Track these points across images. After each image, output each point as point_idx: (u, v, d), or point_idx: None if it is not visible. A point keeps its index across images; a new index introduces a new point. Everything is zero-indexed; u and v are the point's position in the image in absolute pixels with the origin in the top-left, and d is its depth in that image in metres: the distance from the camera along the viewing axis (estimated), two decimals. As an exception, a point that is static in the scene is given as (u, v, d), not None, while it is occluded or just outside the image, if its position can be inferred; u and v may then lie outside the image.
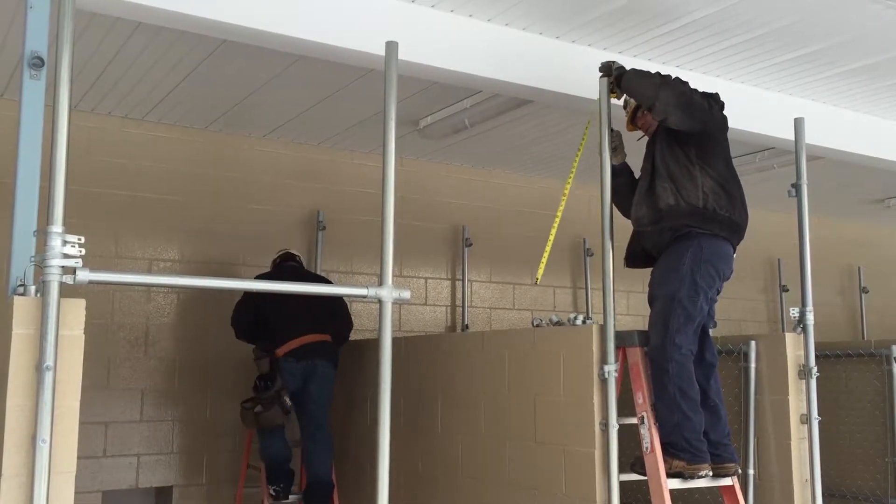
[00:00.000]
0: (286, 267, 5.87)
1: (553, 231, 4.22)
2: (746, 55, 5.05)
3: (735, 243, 4.03)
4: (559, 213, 4.24)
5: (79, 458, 2.76)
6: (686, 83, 4.03)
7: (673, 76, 4.09)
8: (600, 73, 4.22)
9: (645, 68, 4.28)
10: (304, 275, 5.89)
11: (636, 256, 4.17)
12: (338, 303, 5.89)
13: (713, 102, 4.09)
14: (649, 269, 4.13)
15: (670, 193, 3.90)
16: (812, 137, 4.90)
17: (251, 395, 5.58)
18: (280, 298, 5.50)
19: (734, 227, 3.98)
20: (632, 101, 4.26)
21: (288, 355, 5.50)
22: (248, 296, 5.65)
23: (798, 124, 4.62)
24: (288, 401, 5.39)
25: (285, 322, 5.56)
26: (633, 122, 4.36)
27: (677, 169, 3.93)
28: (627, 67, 4.21)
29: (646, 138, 4.30)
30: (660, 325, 3.88)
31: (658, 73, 4.07)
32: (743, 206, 4.05)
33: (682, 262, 3.87)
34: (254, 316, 5.65)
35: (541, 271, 4.28)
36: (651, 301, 4.02)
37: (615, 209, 4.18)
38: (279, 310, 5.55)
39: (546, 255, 4.22)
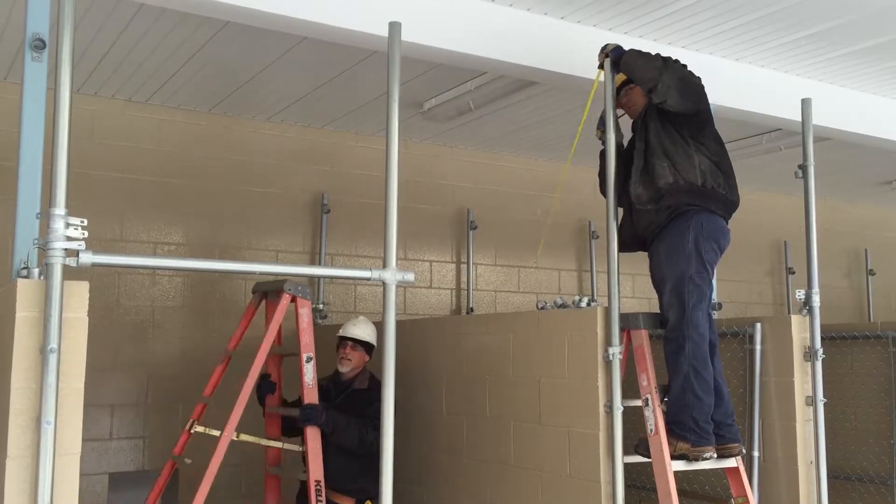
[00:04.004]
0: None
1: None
2: (753, 35, 5.01)
3: (728, 219, 4.07)
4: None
5: (86, 440, 2.77)
6: (685, 65, 4.03)
7: (672, 57, 4.07)
8: (603, 55, 4.18)
9: (650, 49, 4.24)
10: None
11: (626, 242, 4.18)
12: None
13: (700, 82, 4.09)
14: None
15: (668, 172, 3.91)
16: (819, 118, 4.86)
17: None
18: None
19: (729, 206, 4.03)
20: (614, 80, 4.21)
21: None
22: None
23: (805, 105, 4.58)
24: None
25: None
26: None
27: (673, 148, 3.95)
28: (633, 49, 4.17)
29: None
30: (676, 304, 3.89)
31: (658, 55, 4.05)
32: (736, 185, 4.09)
33: (686, 240, 3.89)
34: None
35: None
36: (659, 284, 4.01)
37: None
38: None
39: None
